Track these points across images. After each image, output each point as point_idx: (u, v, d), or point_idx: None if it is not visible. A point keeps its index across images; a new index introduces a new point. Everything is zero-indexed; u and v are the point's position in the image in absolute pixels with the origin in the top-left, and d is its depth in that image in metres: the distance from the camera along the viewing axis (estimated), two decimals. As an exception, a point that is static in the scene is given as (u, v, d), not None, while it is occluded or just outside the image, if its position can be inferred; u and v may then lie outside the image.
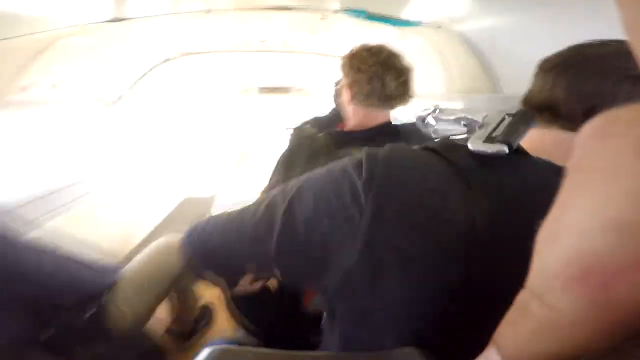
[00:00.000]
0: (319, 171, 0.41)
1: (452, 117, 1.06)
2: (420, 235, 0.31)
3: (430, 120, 1.12)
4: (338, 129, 0.91)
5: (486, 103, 1.11)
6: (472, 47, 1.09)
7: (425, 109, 1.14)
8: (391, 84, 0.80)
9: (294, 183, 0.42)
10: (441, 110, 1.15)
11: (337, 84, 1.09)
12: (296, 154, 0.82)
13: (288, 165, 0.81)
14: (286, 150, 0.85)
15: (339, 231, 0.34)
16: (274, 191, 0.43)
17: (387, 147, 0.38)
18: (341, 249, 0.33)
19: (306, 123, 1.08)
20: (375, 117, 0.84)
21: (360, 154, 0.37)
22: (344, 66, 0.84)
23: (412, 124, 1.00)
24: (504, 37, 0.99)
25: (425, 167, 0.35)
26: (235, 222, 0.46)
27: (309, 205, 0.37)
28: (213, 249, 0.49)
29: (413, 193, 0.32)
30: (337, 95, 1.05)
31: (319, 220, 0.36)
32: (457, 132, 1.08)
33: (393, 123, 0.87)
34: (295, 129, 0.94)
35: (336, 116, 1.10)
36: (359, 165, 0.36)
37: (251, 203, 0.46)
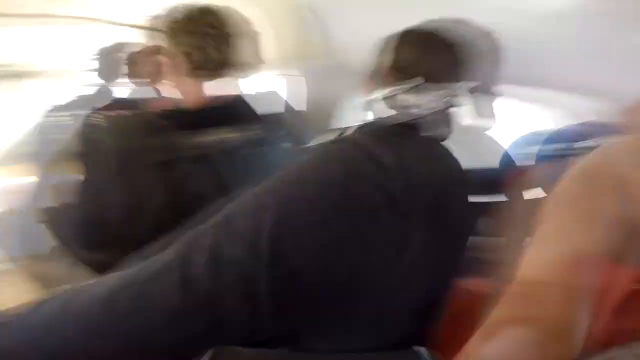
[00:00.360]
0: None
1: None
2: None
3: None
4: (162, 110, 0.71)
5: (320, 70, 1.09)
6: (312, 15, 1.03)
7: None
8: (227, 49, 0.68)
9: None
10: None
11: (140, 51, 0.87)
12: (129, 157, 0.62)
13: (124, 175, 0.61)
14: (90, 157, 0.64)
15: None
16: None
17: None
18: None
19: (61, 108, 0.89)
20: (214, 89, 0.71)
21: None
22: (164, 30, 0.68)
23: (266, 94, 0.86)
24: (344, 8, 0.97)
25: None
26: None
27: None
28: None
29: None
30: (141, 64, 0.84)
31: None
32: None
33: (240, 94, 0.74)
34: (84, 121, 0.69)
35: (106, 94, 0.91)
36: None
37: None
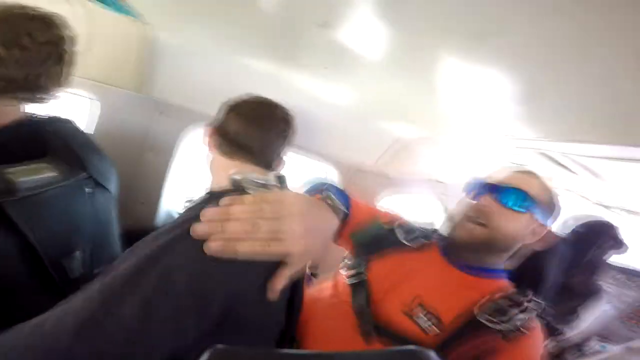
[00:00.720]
0: None
1: None
2: None
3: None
4: None
5: (124, 99, 1.09)
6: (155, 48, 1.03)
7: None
8: (48, 67, 0.60)
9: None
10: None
11: None
12: None
13: None
14: None
15: None
16: None
17: None
18: None
19: None
20: (5, 112, 0.62)
21: None
22: None
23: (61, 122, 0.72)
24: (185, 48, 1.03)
25: None
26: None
27: None
28: None
29: None
30: None
31: None
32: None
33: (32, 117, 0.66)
34: None
35: None
36: None
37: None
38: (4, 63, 0.56)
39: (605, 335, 1.68)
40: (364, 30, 0.63)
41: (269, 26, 0.77)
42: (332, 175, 1.33)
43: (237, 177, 0.58)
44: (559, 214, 0.79)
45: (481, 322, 0.61)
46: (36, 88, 0.61)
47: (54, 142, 0.66)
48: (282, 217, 0.47)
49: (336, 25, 0.65)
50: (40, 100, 0.63)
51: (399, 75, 0.81)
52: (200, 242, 0.44)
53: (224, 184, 0.60)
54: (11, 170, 0.55)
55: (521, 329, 0.61)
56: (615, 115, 0.67)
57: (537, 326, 0.66)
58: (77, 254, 0.64)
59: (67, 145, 0.68)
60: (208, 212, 0.46)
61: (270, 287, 0.49)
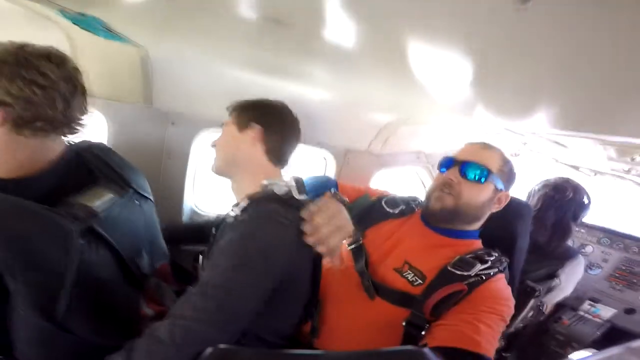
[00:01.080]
0: None
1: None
2: None
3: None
4: None
5: (133, 112, 1.19)
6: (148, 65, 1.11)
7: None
8: (73, 100, 0.67)
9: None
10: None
11: None
12: None
13: None
14: None
15: None
16: None
17: None
18: None
19: None
20: (52, 148, 0.70)
21: None
22: None
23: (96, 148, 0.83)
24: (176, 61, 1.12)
25: None
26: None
27: None
28: None
29: None
30: None
31: None
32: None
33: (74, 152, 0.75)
34: None
35: None
36: None
37: None
38: (32, 103, 0.61)
39: (596, 298, 1.75)
40: (337, 27, 0.70)
41: (252, 32, 0.83)
42: (329, 160, 1.50)
43: (268, 183, 0.76)
44: (514, 180, 0.96)
45: (450, 271, 0.81)
46: (70, 121, 0.68)
47: (97, 167, 0.80)
48: (334, 219, 0.74)
49: (317, 26, 0.71)
50: (75, 131, 0.72)
51: (377, 67, 0.91)
52: (292, 231, 0.69)
53: (252, 187, 0.78)
54: (82, 198, 0.71)
55: (482, 277, 0.78)
56: (569, 104, 0.82)
57: (498, 278, 0.82)
58: (143, 253, 0.82)
59: (109, 167, 0.82)
60: (307, 216, 0.72)
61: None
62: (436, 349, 0.67)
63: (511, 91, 0.86)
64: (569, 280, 1.41)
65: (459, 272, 0.80)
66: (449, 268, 0.82)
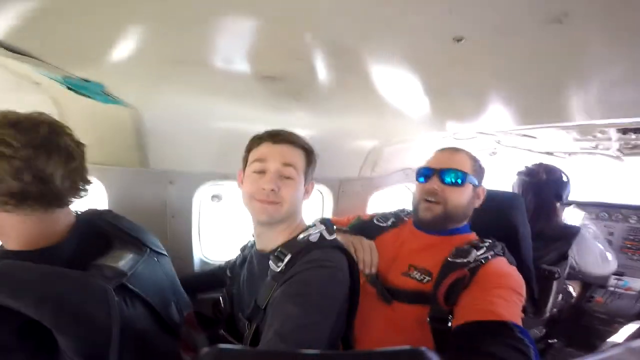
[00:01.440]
0: None
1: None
2: None
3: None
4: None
5: (130, 176, 1.21)
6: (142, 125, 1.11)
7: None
8: (57, 173, 0.63)
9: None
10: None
11: None
12: None
13: None
14: None
15: None
16: None
17: None
18: None
19: None
20: (56, 220, 0.70)
21: None
22: None
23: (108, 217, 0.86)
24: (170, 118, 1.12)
25: None
26: None
27: None
28: None
29: None
30: None
31: None
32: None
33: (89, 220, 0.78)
34: None
35: None
36: None
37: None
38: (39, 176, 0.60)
39: (619, 272, 1.74)
40: (320, 75, 0.80)
41: (242, 87, 0.90)
42: (324, 193, 1.58)
43: (304, 236, 0.82)
44: (484, 174, 1.05)
45: (451, 262, 0.87)
46: (58, 190, 0.65)
47: (112, 232, 0.83)
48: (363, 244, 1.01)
49: (307, 78, 0.81)
50: (79, 197, 0.71)
51: (353, 102, 1.02)
52: (336, 271, 0.76)
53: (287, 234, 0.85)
54: (105, 260, 0.74)
55: (482, 261, 0.85)
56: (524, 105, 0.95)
57: (498, 260, 0.87)
58: (172, 304, 0.85)
59: (121, 230, 0.86)
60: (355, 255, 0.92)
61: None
62: (460, 328, 0.71)
63: (468, 103, 1.01)
64: (583, 254, 1.43)
65: (459, 261, 0.86)
66: (449, 259, 0.88)
